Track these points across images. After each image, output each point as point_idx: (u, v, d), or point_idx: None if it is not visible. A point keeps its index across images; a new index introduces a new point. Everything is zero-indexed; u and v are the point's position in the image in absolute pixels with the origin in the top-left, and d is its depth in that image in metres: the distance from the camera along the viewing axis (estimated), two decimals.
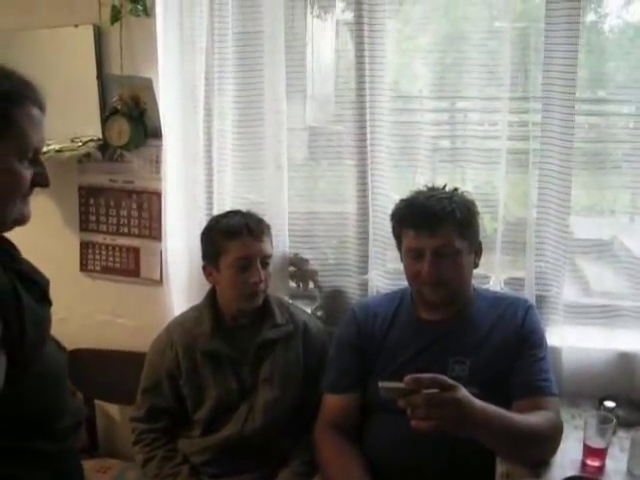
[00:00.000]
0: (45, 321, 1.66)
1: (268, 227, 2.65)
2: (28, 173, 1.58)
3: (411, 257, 2.37)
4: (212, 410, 2.58)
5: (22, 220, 1.63)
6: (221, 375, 2.58)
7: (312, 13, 2.93)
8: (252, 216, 2.62)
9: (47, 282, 1.74)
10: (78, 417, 1.82)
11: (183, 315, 2.75)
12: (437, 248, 2.30)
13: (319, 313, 2.92)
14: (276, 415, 2.56)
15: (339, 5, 2.87)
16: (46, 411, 1.67)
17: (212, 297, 2.66)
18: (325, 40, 3.01)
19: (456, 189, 2.44)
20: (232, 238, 2.53)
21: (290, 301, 2.88)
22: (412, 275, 2.39)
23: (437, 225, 2.30)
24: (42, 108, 1.61)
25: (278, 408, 2.56)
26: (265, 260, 2.58)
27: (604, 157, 2.65)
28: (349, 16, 2.72)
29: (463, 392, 1.82)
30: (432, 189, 2.44)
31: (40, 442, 1.65)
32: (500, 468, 2.12)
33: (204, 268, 2.64)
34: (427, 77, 2.75)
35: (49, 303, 1.73)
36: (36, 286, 1.64)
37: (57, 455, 1.70)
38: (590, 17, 2.63)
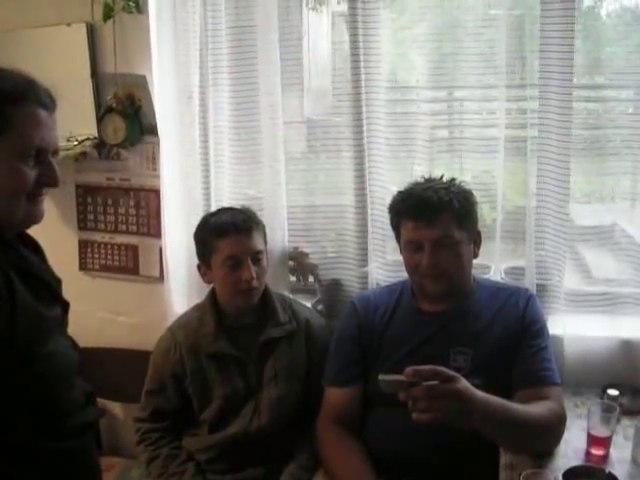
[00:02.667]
0: (47, 319, 1.65)
1: (258, 222, 2.63)
2: (32, 173, 1.59)
3: (410, 249, 2.36)
4: (219, 410, 2.57)
5: (31, 220, 1.65)
6: (227, 375, 2.57)
7: (307, 5, 2.93)
8: (241, 213, 2.61)
9: (58, 282, 1.75)
10: (88, 418, 1.81)
11: (186, 315, 2.74)
12: (436, 239, 2.29)
13: (319, 307, 2.91)
14: (281, 412, 2.56)
15: None
16: (50, 410, 1.66)
17: (213, 296, 2.65)
18: (321, 32, 3.01)
19: (453, 179, 2.43)
20: (221, 237, 2.52)
21: (291, 296, 2.88)
22: (412, 267, 2.38)
23: (435, 216, 2.29)
24: (48, 107, 1.62)
25: (283, 405, 2.56)
26: (256, 256, 2.56)
27: (603, 143, 2.64)
28: (344, 7, 2.70)
29: (464, 383, 1.82)
30: (429, 180, 2.44)
31: (38, 440, 1.64)
32: (504, 459, 2.12)
33: (199, 267, 2.64)
34: (423, 67, 2.73)
35: (62, 303, 1.75)
36: (43, 284, 1.66)
37: (58, 453, 1.69)
38: (587, 2, 2.61)
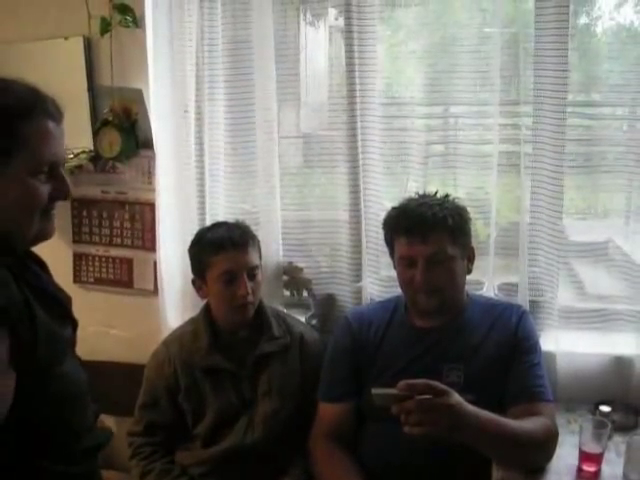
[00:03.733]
0: (63, 339, 1.63)
1: (253, 237, 2.63)
2: (45, 188, 1.55)
3: (404, 264, 2.37)
4: (212, 424, 2.57)
5: (44, 236, 1.61)
6: (221, 389, 2.57)
7: (305, 20, 2.93)
8: (236, 228, 2.61)
9: (69, 300, 1.72)
10: (99, 440, 1.79)
11: (180, 329, 2.73)
12: (430, 255, 2.30)
13: (313, 321, 2.91)
14: (275, 427, 2.55)
15: (331, 12, 2.87)
16: (62, 432, 1.64)
17: (207, 311, 2.65)
18: (318, 47, 3.01)
19: (447, 195, 2.44)
20: (216, 252, 2.52)
21: (285, 310, 2.88)
22: (405, 282, 2.38)
23: (429, 232, 2.30)
24: (56, 119, 1.57)
25: (277, 420, 2.56)
26: (252, 272, 2.56)
27: (598, 160, 2.64)
28: (341, 22, 2.71)
29: (456, 398, 1.83)
30: (423, 196, 2.44)
31: (54, 463, 1.61)
32: (496, 474, 2.11)
33: (194, 282, 2.64)
34: (419, 83, 2.74)
35: (72, 321, 1.72)
36: (56, 304, 1.62)
37: (73, 477, 1.67)
38: (582, 20, 2.63)
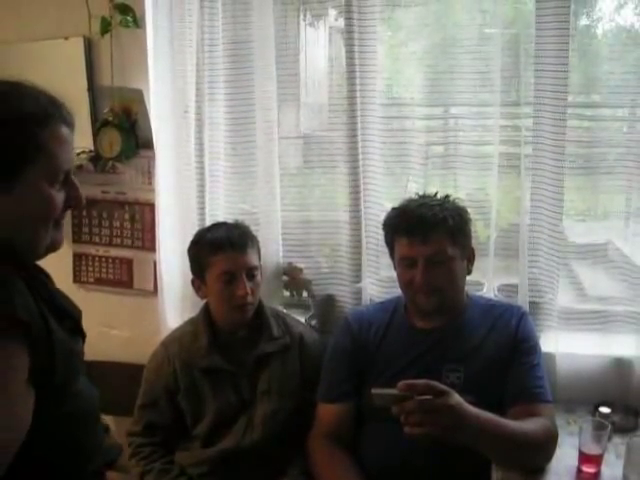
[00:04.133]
0: (77, 355, 1.59)
1: (253, 238, 2.63)
2: (60, 197, 1.52)
3: (404, 265, 2.37)
4: (211, 424, 2.56)
5: (54, 247, 1.57)
6: (220, 389, 2.57)
7: (305, 21, 2.93)
8: (236, 228, 2.61)
9: (79, 313, 1.67)
10: (109, 458, 1.77)
11: (179, 330, 2.73)
12: (430, 255, 2.30)
13: (313, 322, 2.91)
14: (274, 427, 2.55)
15: (332, 12, 2.87)
16: (73, 453, 1.59)
17: (207, 311, 2.64)
18: (318, 47, 3.01)
19: (448, 196, 2.44)
20: (216, 253, 2.52)
21: (285, 311, 2.87)
22: (405, 283, 2.38)
23: (429, 232, 2.30)
24: (71, 125, 1.54)
25: (276, 420, 2.55)
26: (251, 272, 2.56)
27: (598, 161, 2.64)
28: (342, 23, 2.71)
29: (456, 398, 1.83)
30: (423, 197, 2.45)
31: None
32: (495, 475, 2.12)
33: (193, 282, 2.64)
34: (419, 84, 2.74)
35: (82, 335, 1.66)
36: (69, 318, 1.58)
37: None
38: (583, 21, 2.63)
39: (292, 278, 2.95)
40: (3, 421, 1.34)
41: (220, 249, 2.52)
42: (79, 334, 1.65)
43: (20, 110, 1.45)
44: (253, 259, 2.58)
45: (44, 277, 1.62)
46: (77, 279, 3.22)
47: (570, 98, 2.54)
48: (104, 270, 3.18)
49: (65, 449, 1.55)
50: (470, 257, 2.43)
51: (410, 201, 2.43)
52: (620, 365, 2.62)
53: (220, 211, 2.93)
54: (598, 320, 2.68)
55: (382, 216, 2.53)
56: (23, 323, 1.37)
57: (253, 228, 2.69)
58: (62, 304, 1.59)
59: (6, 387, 1.35)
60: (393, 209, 2.45)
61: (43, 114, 1.47)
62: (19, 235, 1.49)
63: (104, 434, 1.76)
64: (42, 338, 1.42)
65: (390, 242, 2.44)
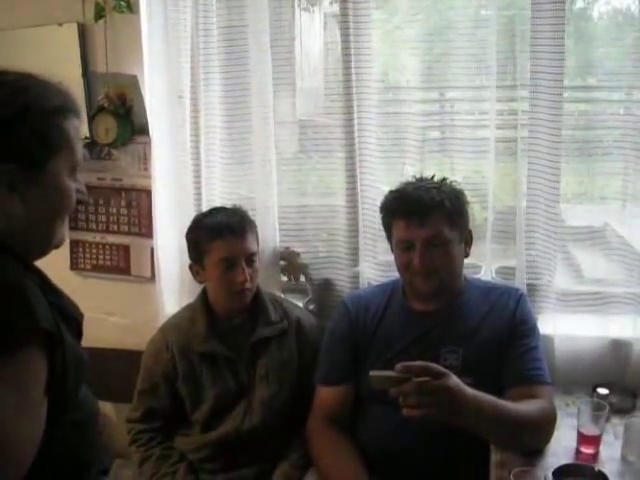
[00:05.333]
0: (84, 362, 1.55)
1: (251, 223, 2.62)
2: (75, 190, 1.50)
3: (401, 248, 2.37)
4: (210, 409, 2.57)
5: (61, 243, 1.55)
6: (219, 375, 2.57)
7: (299, 6, 2.93)
8: (235, 213, 2.60)
9: (81, 317, 1.60)
10: (104, 465, 1.74)
11: (177, 316, 2.73)
12: (427, 238, 2.30)
13: (311, 306, 2.92)
14: (273, 411, 2.56)
15: None
16: (75, 461, 1.56)
17: (204, 297, 2.65)
18: (313, 33, 3.01)
19: (445, 179, 2.44)
20: (215, 238, 2.51)
21: (282, 295, 2.88)
22: (403, 266, 2.38)
23: (427, 215, 2.30)
24: (81, 118, 1.52)
25: (275, 404, 2.56)
26: (250, 258, 2.55)
27: (595, 144, 2.64)
28: (336, 8, 2.70)
29: (454, 380, 1.83)
30: (420, 180, 2.45)
31: None
32: (494, 457, 2.12)
33: (190, 267, 2.63)
34: (415, 67, 2.74)
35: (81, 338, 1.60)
36: (74, 322, 1.53)
37: None
38: (579, 4, 2.63)
39: (289, 263, 2.95)
40: (25, 432, 1.32)
41: (219, 235, 2.51)
42: (80, 338, 1.59)
43: (43, 101, 1.43)
44: (252, 245, 2.58)
45: (44, 276, 1.56)
46: (74, 266, 3.21)
47: (566, 81, 2.53)
48: (101, 257, 3.17)
49: (65, 458, 1.53)
50: (468, 240, 2.44)
51: (407, 184, 2.43)
52: (618, 346, 2.62)
53: (216, 196, 2.92)
54: (596, 302, 2.68)
55: (379, 200, 2.53)
56: (46, 332, 1.34)
57: (250, 213, 2.69)
58: (68, 306, 1.55)
59: (30, 398, 1.33)
60: (390, 192, 2.45)
61: (63, 106, 1.46)
62: (37, 229, 1.46)
63: (100, 440, 1.73)
64: (58, 347, 1.39)
65: (387, 225, 2.44)
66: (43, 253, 1.53)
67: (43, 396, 1.36)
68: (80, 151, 1.50)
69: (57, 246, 1.54)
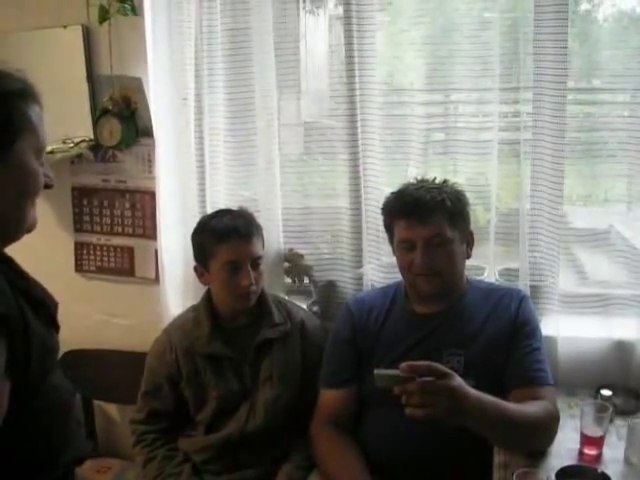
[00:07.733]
0: (53, 351, 1.57)
1: (258, 227, 2.62)
2: (42, 174, 1.52)
3: (403, 248, 2.37)
4: (214, 411, 2.58)
5: (32, 226, 1.55)
6: (222, 377, 2.58)
7: (304, 8, 2.93)
8: (241, 216, 2.59)
9: (56, 305, 1.63)
10: (80, 453, 1.73)
11: (181, 317, 2.73)
12: (429, 238, 2.30)
13: (315, 308, 2.92)
14: (277, 413, 2.56)
15: (331, 0, 2.87)
16: (46, 446, 1.57)
17: (209, 298, 2.65)
18: (318, 35, 3.01)
19: (446, 180, 2.45)
20: (221, 241, 2.51)
21: (286, 297, 2.88)
22: (405, 266, 2.39)
23: (428, 214, 2.31)
24: (41, 106, 1.54)
25: (278, 406, 2.56)
26: (256, 261, 2.55)
27: (599, 146, 2.65)
28: (341, 10, 2.71)
29: (458, 380, 1.84)
30: (422, 181, 2.45)
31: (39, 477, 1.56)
32: (497, 458, 2.12)
33: (195, 269, 2.63)
34: (419, 70, 2.74)
35: (56, 327, 1.62)
36: (45, 309, 1.56)
37: None
38: (584, 6, 2.64)
39: (293, 264, 2.95)
40: None
41: (225, 238, 2.51)
42: (53, 326, 1.61)
43: (3, 85, 1.46)
44: (258, 249, 2.58)
45: (12, 263, 1.58)
46: (79, 268, 3.22)
47: (571, 83, 2.53)
48: (105, 259, 3.17)
49: (35, 442, 1.53)
50: (469, 241, 2.44)
51: (408, 185, 2.44)
52: (621, 348, 2.62)
53: (220, 198, 2.92)
54: (599, 303, 2.68)
55: (382, 202, 2.53)
56: (3, 316, 1.36)
57: (254, 215, 2.69)
58: (37, 293, 1.57)
59: None
60: (391, 193, 2.46)
61: (24, 89, 1.49)
62: (6, 212, 1.48)
63: (78, 428, 1.73)
64: (19, 331, 1.40)
65: (389, 226, 2.45)
66: (14, 238, 1.54)
67: (4, 377, 1.38)
68: (43, 136, 1.52)
69: (29, 230, 1.55)
